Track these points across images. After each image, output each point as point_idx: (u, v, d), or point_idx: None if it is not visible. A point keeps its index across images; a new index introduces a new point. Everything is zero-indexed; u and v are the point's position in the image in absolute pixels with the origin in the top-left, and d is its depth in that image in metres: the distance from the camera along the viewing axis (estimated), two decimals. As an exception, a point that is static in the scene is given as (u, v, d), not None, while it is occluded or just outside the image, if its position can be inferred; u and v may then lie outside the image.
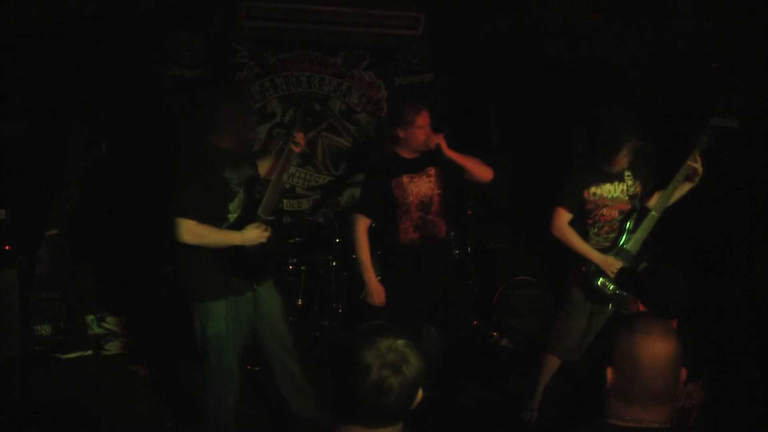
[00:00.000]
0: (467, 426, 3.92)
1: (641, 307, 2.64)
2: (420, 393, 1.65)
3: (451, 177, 3.75)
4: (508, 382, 4.46)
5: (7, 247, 4.70)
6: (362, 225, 3.75)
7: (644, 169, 3.79)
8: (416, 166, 3.72)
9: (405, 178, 3.70)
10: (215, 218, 3.25)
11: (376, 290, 3.74)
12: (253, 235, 3.29)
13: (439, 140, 3.60)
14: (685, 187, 3.72)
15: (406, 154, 3.75)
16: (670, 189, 3.66)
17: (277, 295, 3.57)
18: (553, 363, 3.93)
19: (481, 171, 3.70)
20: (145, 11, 5.24)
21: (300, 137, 3.50)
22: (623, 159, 3.68)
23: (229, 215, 3.32)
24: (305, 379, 3.62)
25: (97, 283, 5.32)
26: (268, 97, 5.84)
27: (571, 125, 5.65)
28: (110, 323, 5.21)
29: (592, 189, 3.70)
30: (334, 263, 5.17)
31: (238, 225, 3.32)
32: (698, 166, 3.63)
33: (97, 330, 5.20)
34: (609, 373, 1.80)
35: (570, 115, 5.62)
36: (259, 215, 3.36)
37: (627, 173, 3.73)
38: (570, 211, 3.70)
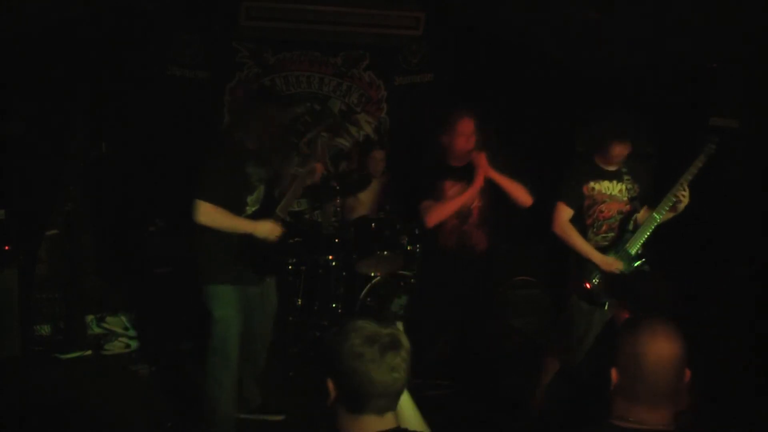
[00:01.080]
0: (467, 426, 3.92)
1: (626, 314, 2.62)
2: None
3: (494, 191, 3.72)
4: (507, 382, 4.46)
5: (7, 247, 4.69)
6: (426, 203, 3.75)
7: (643, 170, 3.79)
8: (459, 175, 3.70)
9: (447, 183, 3.69)
10: (233, 207, 3.40)
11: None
12: (267, 228, 3.45)
13: (481, 160, 3.58)
14: (669, 215, 3.72)
15: (453, 162, 3.73)
16: (669, 198, 3.65)
17: (275, 296, 3.77)
18: (553, 366, 3.93)
19: (521, 195, 3.72)
20: (145, 11, 5.24)
21: (319, 168, 3.69)
22: (618, 155, 3.69)
23: (247, 207, 3.48)
24: (265, 371, 3.88)
25: (97, 283, 5.31)
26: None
27: (570, 125, 5.65)
28: (110, 323, 5.21)
29: (591, 184, 3.72)
30: (334, 263, 5.17)
31: (254, 218, 3.48)
32: (686, 196, 3.63)
33: (97, 330, 5.19)
34: (613, 373, 1.80)
35: (570, 115, 5.62)
36: (277, 212, 3.53)
37: (626, 176, 3.74)
38: (570, 206, 3.71)
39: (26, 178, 4.94)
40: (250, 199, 3.49)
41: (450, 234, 3.69)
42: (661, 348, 1.74)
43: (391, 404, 1.66)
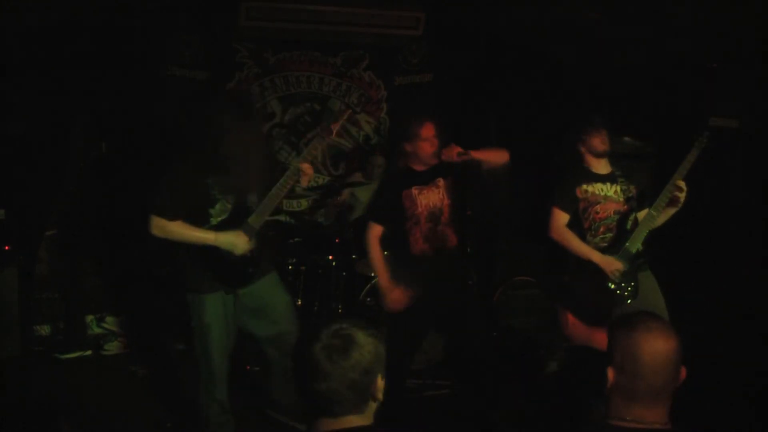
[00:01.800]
0: (467, 426, 3.93)
1: (570, 318, 2.61)
2: (380, 381, 1.67)
3: (461, 186, 3.75)
4: (508, 384, 4.46)
5: (6, 247, 4.69)
6: (375, 232, 3.75)
7: (638, 170, 3.81)
8: (426, 179, 3.74)
9: (414, 190, 3.72)
10: (195, 219, 3.33)
11: (394, 296, 3.67)
12: (229, 239, 3.33)
13: (456, 150, 3.58)
14: (670, 211, 3.72)
15: (416, 167, 3.76)
16: (665, 194, 3.67)
17: (276, 293, 3.59)
18: None
19: (498, 157, 3.70)
20: (145, 11, 5.24)
21: (308, 169, 3.48)
22: (600, 147, 3.72)
23: (211, 219, 3.38)
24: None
25: (97, 283, 5.32)
26: (268, 97, 5.84)
27: (570, 126, 5.65)
28: (110, 323, 5.21)
29: (584, 186, 3.74)
30: (334, 263, 5.17)
31: (221, 229, 3.37)
32: (682, 189, 3.64)
33: (97, 330, 5.20)
34: (610, 373, 1.80)
35: (569, 116, 5.62)
36: (248, 222, 3.40)
37: (620, 178, 3.76)
38: (565, 210, 3.73)
39: (26, 178, 4.94)
40: (212, 210, 3.38)
41: (424, 238, 3.71)
42: (657, 345, 1.75)
43: (347, 409, 1.64)
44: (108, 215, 5.36)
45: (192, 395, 3.68)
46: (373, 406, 1.69)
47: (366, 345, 1.65)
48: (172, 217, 3.26)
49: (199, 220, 3.35)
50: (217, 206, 3.38)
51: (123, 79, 5.26)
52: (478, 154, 3.64)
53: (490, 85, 6.08)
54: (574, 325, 2.56)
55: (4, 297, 4.58)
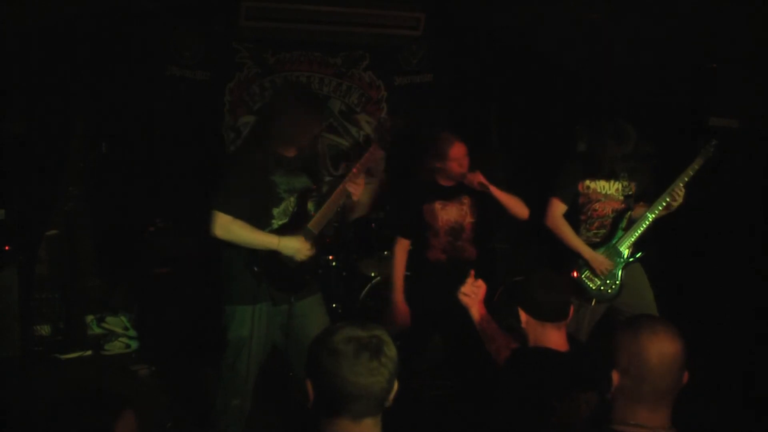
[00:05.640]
0: (467, 426, 3.92)
1: (524, 316, 2.63)
2: (396, 385, 1.65)
3: (488, 205, 3.74)
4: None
5: (7, 247, 4.69)
6: (402, 247, 3.79)
7: (641, 169, 3.82)
8: (450, 194, 3.74)
9: (437, 204, 3.72)
10: (257, 220, 3.19)
11: (401, 313, 3.72)
12: (293, 244, 3.20)
13: (480, 179, 3.59)
14: (662, 213, 3.73)
15: (442, 182, 3.76)
16: (663, 198, 3.68)
17: (320, 314, 3.48)
18: None
19: (518, 209, 3.71)
20: (145, 11, 5.24)
21: (361, 182, 3.39)
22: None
23: (273, 221, 3.25)
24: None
25: (97, 283, 5.31)
26: (268, 98, 5.84)
27: (571, 125, 5.65)
28: (110, 323, 5.21)
29: (587, 182, 3.75)
30: (334, 263, 5.17)
31: (282, 232, 3.24)
32: (677, 198, 3.64)
33: (97, 330, 5.19)
34: (614, 376, 1.79)
35: (570, 116, 5.62)
36: (308, 228, 3.28)
37: (623, 173, 3.76)
38: (564, 202, 3.75)
39: (26, 178, 4.94)
40: (275, 211, 3.25)
41: (442, 249, 3.73)
42: (664, 347, 1.74)
43: (369, 410, 1.61)
44: (108, 215, 5.36)
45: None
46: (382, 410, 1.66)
47: (393, 348, 1.63)
48: (240, 215, 3.11)
49: (262, 221, 3.20)
50: (281, 206, 3.26)
51: (123, 79, 5.26)
52: (499, 194, 3.64)
53: (490, 85, 6.08)
54: (527, 322, 2.59)
55: (4, 297, 4.58)
